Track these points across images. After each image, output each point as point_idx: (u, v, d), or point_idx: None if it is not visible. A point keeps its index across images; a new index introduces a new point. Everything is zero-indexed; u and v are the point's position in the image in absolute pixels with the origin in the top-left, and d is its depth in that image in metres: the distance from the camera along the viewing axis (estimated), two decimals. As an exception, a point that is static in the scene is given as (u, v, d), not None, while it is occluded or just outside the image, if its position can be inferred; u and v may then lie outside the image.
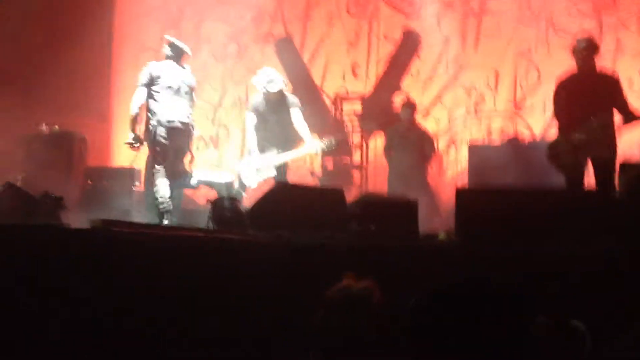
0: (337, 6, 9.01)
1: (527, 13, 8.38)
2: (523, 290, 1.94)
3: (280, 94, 6.56)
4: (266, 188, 4.75)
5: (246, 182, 6.59)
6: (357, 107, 8.74)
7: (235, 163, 7.04)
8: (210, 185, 6.46)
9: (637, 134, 6.72)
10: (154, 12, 9.54)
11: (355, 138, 8.75)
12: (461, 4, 8.64)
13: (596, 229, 3.62)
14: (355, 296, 2.75)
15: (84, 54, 8.70)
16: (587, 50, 5.55)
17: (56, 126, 8.30)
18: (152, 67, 6.29)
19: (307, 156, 8.82)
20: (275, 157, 6.52)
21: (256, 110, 6.67)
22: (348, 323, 2.63)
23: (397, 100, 8.49)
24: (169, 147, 6.17)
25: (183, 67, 6.38)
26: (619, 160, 5.39)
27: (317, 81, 9.09)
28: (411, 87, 8.71)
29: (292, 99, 6.64)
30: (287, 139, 6.55)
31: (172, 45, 6.41)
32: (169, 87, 6.20)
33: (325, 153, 8.64)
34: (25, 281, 3.55)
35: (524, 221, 3.74)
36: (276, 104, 6.56)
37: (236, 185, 6.63)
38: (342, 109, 8.89)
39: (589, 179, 5.52)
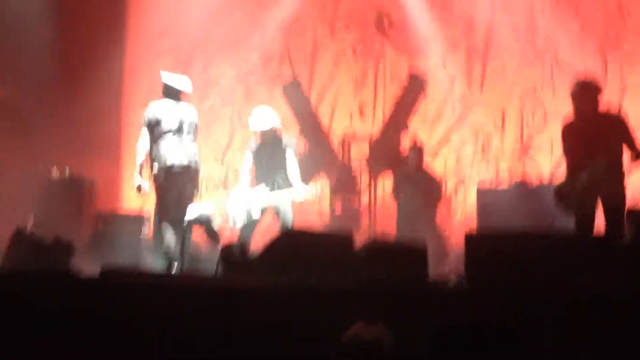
0: (343, 47, 9.12)
1: (532, 52, 8.46)
2: (527, 337, 1.94)
3: (274, 133, 6.54)
4: (274, 235, 4.75)
5: (234, 218, 6.53)
6: (365, 148, 8.78)
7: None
8: (198, 222, 6.29)
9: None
10: (163, 55, 9.67)
11: (363, 180, 8.77)
12: (466, 43, 8.73)
13: (602, 274, 3.60)
14: (368, 342, 2.76)
15: (94, 95, 8.76)
16: (586, 90, 5.51)
17: (66, 168, 8.36)
18: (150, 108, 6.10)
19: (316, 200, 8.86)
20: (261, 196, 6.43)
21: (252, 150, 6.67)
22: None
23: (405, 140, 8.53)
24: (171, 194, 5.98)
25: (183, 104, 6.12)
26: (628, 200, 5.36)
27: (325, 122, 9.15)
28: (418, 127, 8.75)
29: (289, 139, 6.59)
30: (279, 180, 6.46)
31: (166, 83, 6.17)
32: (168, 128, 5.99)
33: (333, 194, 8.70)
34: (34, 328, 3.55)
35: (533, 265, 3.73)
36: (271, 143, 6.52)
37: (219, 217, 6.63)
38: (350, 151, 8.93)
39: (599, 219, 5.49)
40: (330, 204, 8.52)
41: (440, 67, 8.76)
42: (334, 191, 8.76)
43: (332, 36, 9.17)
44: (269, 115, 6.52)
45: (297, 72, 9.26)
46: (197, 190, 6.16)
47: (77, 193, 8.10)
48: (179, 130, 5.99)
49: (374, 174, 8.65)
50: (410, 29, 8.90)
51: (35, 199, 7.94)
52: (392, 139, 8.73)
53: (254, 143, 6.71)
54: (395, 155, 8.41)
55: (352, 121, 9.04)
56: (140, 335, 3.52)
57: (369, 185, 8.65)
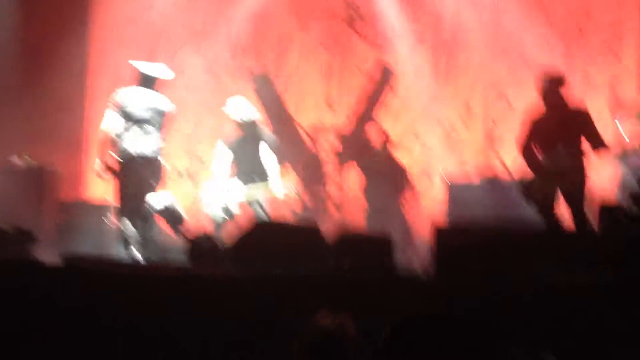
0: (311, 39, 9.11)
1: (497, 46, 8.56)
2: (497, 323, 1.96)
3: (253, 125, 6.52)
4: (245, 225, 4.74)
5: (208, 208, 6.54)
6: (332, 139, 8.80)
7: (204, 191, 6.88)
8: (162, 211, 6.16)
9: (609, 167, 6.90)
10: (128, 43, 9.52)
11: (330, 171, 8.79)
12: (432, 36, 8.79)
13: (567, 264, 3.68)
14: (330, 331, 2.77)
15: (57, 83, 8.63)
16: (551, 83, 5.61)
17: (27, 157, 8.21)
18: (118, 95, 6.05)
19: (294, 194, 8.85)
20: (238, 189, 6.45)
21: (227, 139, 6.59)
22: (323, 358, 2.65)
23: (372, 132, 8.56)
24: (132, 184, 5.94)
25: (154, 93, 6.05)
26: (590, 192, 5.47)
27: (292, 113, 9.14)
28: (384, 119, 8.80)
29: (267, 134, 6.59)
30: (255, 172, 6.46)
31: (142, 71, 6.12)
32: (134, 117, 5.94)
33: (303, 185, 8.71)
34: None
35: (499, 256, 3.78)
36: (248, 134, 6.48)
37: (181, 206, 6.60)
38: (317, 142, 8.95)
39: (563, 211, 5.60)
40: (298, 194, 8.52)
41: (407, 59, 8.81)
42: (301, 182, 8.77)
43: (300, 27, 9.15)
44: (248, 106, 6.50)
45: (264, 62, 9.23)
46: (159, 181, 6.07)
47: (38, 182, 7.97)
48: (145, 120, 5.92)
49: (341, 166, 8.68)
50: (378, 22, 8.93)
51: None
52: (359, 131, 8.77)
53: (228, 132, 6.68)
54: (362, 146, 8.45)
55: (320, 113, 9.05)
56: (103, 325, 3.48)
57: (336, 175, 8.67)
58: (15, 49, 8.66)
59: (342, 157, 8.62)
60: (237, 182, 6.50)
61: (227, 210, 6.45)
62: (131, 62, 6.38)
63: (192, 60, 9.30)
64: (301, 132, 9.10)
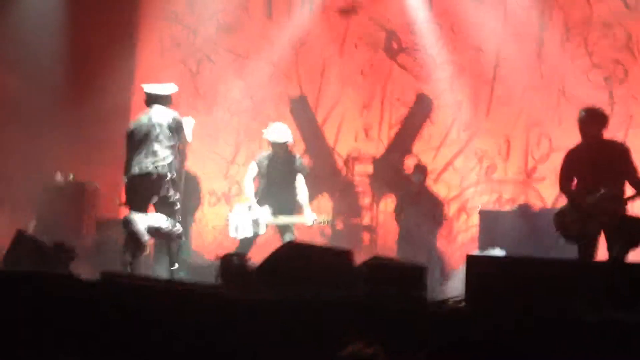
0: (351, 68, 9.17)
1: (539, 81, 8.50)
2: (524, 355, 1.95)
3: (288, 152, 6.62)
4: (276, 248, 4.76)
5: (236, 230, 6.62)
6: (369, 168, 8.82)
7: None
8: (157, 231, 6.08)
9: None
10: (173, 65, 9.75)
11: (366, 200, 8.80)
12: (473, 69, 8.77)
13: (605, 299, 3.61)
14: (363, 358, 2.76)
15: (104, 104, 8.85)
16: (593, 118, 5.58)
17: (71, 175, 8.40)
18: (134, 120, 6.23)
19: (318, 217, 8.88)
20: (268, 217, 6.55)
21: (261, 163, 6.74)
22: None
23: (409, 163, 8.55)
24: (135, 201, 5.98)
25: (160, 109, 6.11)
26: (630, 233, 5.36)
27: (330, 141, 9.19)
28: (423, 151, 8.78)
29: (301, 163, 6.71)
30: (286, 200, 6.56)
31: (146, 93, 6.25)
32: (137, 136, 6.04)
33: (336, 214, 8.73)
34: (33, 328, 3.56)
35: (533, 289, 3.73)
36: (282, 160, 6.63)
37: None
38: (353, 170, 8.98)
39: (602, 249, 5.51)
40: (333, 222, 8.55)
41: (447, 91, 8.80)
42: (336, 209, 8.79)
43: (341, 56, 9.24)
44: (285, 130, 6.62)
45: (305, 89, 9.32)
46: (165, 195, 5.98)
47: (80, 198, 8.13)
48: (147, 138, 6.01)
49: (376, 194, 8.68)
50: (419, 52, 8.96)
51: (38, 202, 7.98)
52: (396, 161, 8.77)
53: (262, 157, 6.76)
54: (398, 176, 8.44)
55: (357, 141, 9.08)
56: (139, 339, 3.53)
57: (371, 204, 8.67)
58: (63, 72, 8.92)
59: (378, 187, 8.62)
60: (268, 209, 6.57)
61: (255, 231, 6.51)
62: (142, 85, 6.49)
63: (233, 84, 9.46)
64: (339, 160, 9.14)
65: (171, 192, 6.02)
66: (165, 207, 6.00)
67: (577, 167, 5.58)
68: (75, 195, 8.13)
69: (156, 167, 5.95)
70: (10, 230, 5.96)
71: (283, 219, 6.52)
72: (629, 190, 5.56)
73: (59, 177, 8.33)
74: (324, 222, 6.53)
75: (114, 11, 9.59)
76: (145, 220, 5.80)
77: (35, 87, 8.68)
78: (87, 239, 7.78)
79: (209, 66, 9.66)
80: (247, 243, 6.58)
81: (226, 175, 9.42)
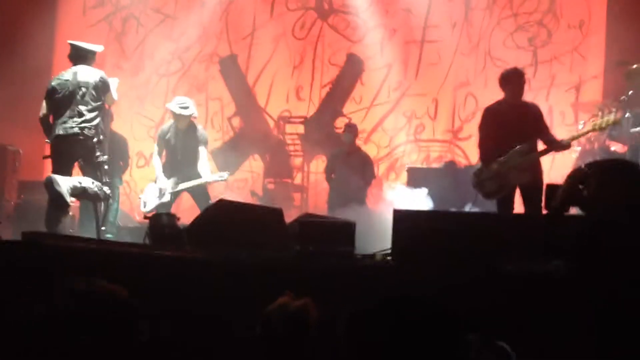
0: (282, 28, 9.10)
1: (466, 42, 8.65)
2: (454, 310, 1.99)
3: (190, 123, 6.73)
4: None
5: (144, 206, 6.79)
6: (300, 129, 8.83)
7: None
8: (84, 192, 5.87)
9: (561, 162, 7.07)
10: (98, 25, 9.44)
11: (297, 160, 8.82)
12: (404, 32, 8.85)
13: (523, 249, 3.76)
14: (292, 313, 2.78)
15: (24, 65, 8.55)
16: (509, 80, 5.75)
17: (-9, 138, 8.09)
18: (54, 79, 6.06)
19: (249, 177, 8.89)
20: (173, 185, 6.73)
21: (163, 135, 6.87)
22: (285, 339, 2.67)
23: (339, 123, 8.61)
24: (59, 160, 5.89)
25: (85, 69, 5.96)
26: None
27: (261, 102, 9.14)
28: (353, 111, 8.85)
29: (202, 134, 6.82)
30: (191, 168, 6.70)
31: (72, 48, 6.08)
32: (59, 95, 5.89)
33: (267, 174, 8.74)
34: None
35: (457, 242, 3.85)
36: (184, 132, 6.73)
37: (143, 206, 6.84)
38: (284, 131, 8.97)
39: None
40: (263, 184, 8.55)
41: (377, 53, 8.86)
42: (267, 170, 8.79)
43: (272, 16, 9.14)
44: (190, 104, 6.75)
45: (235, 50, 9.20)
46: (92, 157, 5.88)
47: (1, 162, 7.86)
48: (71, 98, 5.87)
49: (307, 155, 8.71)
50: (350, 14, 8.96)
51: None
52: (327, 121, 8.81)
53: (164, 130, 6.89)
54: (329, 137, 8.49)
55: (288, 102, 9.06)
56: (58, 298, 3.46)
57: (302, 165, 8.71)
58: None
59: (309, 148, 8.65)
60: (173, 175, 6.77)
61: (161, 201, 6.71)
62: (69, 41, 6.28)
63: (161, 45, 9.24)
64: (270, 121, 9.10)
65: (98, 153, 5.89)
66: (91, 168, 5.89)
67: (494, 126, 5.77)
68: (-4, 157, 7.85)
69: (82, 129, 5.82)
70: None
71: (183, 185, 6.70)
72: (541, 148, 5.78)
73: (-22, 140, 8.01)
74: (222, 178, 6.74)
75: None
76: (69, 182, 5.66)
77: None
78: (8, 203, 7.54)
79: (135, 26, 9.39)
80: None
81: (154, 137, 9.24)
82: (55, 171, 5.82)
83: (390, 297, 2.02)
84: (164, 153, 6.92)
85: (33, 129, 8.40)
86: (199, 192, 6.71)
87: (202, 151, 6.74)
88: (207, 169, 6.70)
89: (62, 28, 9.42)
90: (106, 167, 5.97)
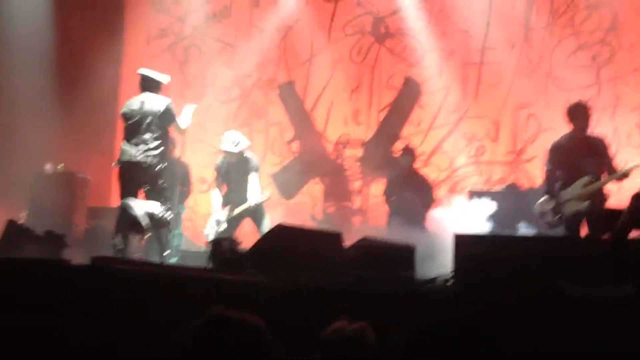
0: (339, 53, 9.18)
1: (526, 63, 8.54)
2: (510, 333, 1.97)
3: (242, 156, 6.93)
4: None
5: (207, 236, 6.94)
6: (359, 152, 8.85)
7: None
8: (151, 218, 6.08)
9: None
10: (161, 55, 9.73)
11: (356, 183, 8.84)
12: (461, 53, 8.79)
13: (592, 275, 3.67)
14: (349, 337, 2.79)
15: (91, 94, 8.86)
16: (578, 113, 6.06)
17: (61, 165, 8.41)
18: (125, 104, 6.30)
19: (309, 201, 8.95)
20: (227, 214, 6.97)
21: (220, 169, 7.08)
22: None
23: (398, 146, 8.59)
24: (125, 185, 6.10)
25: (151, 96, 6.16)
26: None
27: (320, 126, 9.21)
28: (412, 134, 8.82)
29: (253, 161, 7.00)
30: (243, 195, 6.90)
31: (141, 77, 6.29)
32: (127, 121, 6.12)
33: (326, 198, 8.78)
34: (25, 314, 3.59)
35: (519, 266, 3.78)
36: (237, 163, 6.93)
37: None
38: (343, 155, 9.01)
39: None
40: (323, 207, 8.59)
41: (435, 76, 8.83)
42: (327, 194, 8.83)
43: (329, 41, 9.24)
44: (237, 139, 6.94)
45: (293, 76, 9.33)
46: (155, 183, 6.07)
47: (70, 188, 8.15)
48: (138, 126, 6.07)
49: (366, 178, 8.71)
50: (406, 37, 8.97)
51: (29, 192, 7.99)
52: (385, 145, 8.80)
53: (219, 164, 7.12)
54: (388, 160, 8.48)
55: (347, 126, 9.10)
56: (130, 323, 3.56)
57: (361, 189, 8.71)
58: (51, 63, 8.92)
59: (368, 171, 8.66)
60: (228, 204, 7.01)
61: (215, 229, 6.92)
62: (139, 71, 6.52)
63: (222, 73, 9.45)
64: (328, 145, 9.16)
65: (161, 180, 6.08)
66: (155, 194, 6.07)
67: (561, 161, 6.07)
68: (65, 184, 8.15)
69: (147, 157, 6.02)
70: (1, 220, 5.98)
71: (235, 212, 6.90)
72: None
73: (48, 167, 8.34)
74: (264, 199, 6.91)
75: (100, 1, 9.56)
76: (142, 206, 5.89)
77: (24, 78, 8.68)
78: (78, 228, 7.80)
79: (196, 55, 9.65)
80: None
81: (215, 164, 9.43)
82: (123, 196, 6.02)
83: (449, 320, 2.00)
84: (222, 185, 7.16)
85: (101, 157, 8.74)
86: (258, 217, 6.90)
87: (252, 177, 6.94)
88: (254, 194, 6.88)
89: (128, 58, 9.76)
90: (167, 193, 6.20)
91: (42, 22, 8.95)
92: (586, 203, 5.79)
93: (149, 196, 6.10)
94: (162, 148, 6.09)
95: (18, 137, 8.39)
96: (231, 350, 1.91)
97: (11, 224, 5.79)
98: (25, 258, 4.76)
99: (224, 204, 7.04)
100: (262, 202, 6.94)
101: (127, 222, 5.84)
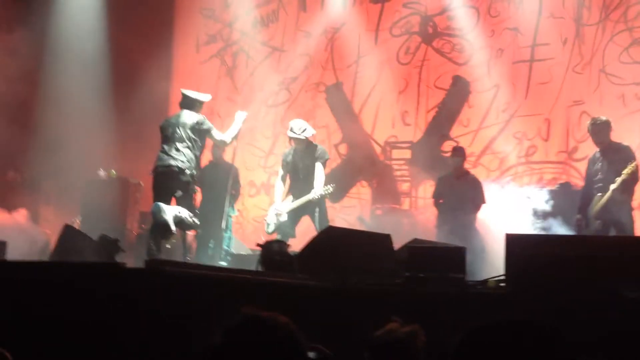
0: (386, 54, 9.15)
1: (578, 59, 8.36)
2: (565, 334, 1.93)
3: (310, 144, 6.84)
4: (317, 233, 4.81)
5: (267, 227, 6.97)
6: (407, 154, 8.80)
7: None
8: (181, 222, 6.36)
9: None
10: (210, 61, 9.87)
11: (404, 185, 8.79)
12: (511, 51, 8.66)
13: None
14: (400, 340, 2.77)
15: (144, 101, 9.04)
16: (601, 127, 6.55)
17: (113, 171, 8.60)
18: (165, 119, 6.75)
19: (357, 203, 8.93)
20: (288, 204, 6.90)
21: (286, 158, 7.07)
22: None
23: (447, 147, 8.51)
24: (158, 191, 6.43)
25: (187, 113, 6.54)
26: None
27: (368, 128, 9.20)
28: (461, 134, 8.72)
29: (320, 151, 6.97)
30: (308, 186, 6.83)
31: (182, 95, 6.69)
32: (164, 133, 6.51)
33: (375, 200, 8.74)
34: (81, 318, 3.67)
35: (572, 266, 3.70)
36: (304, 152, 6.87)
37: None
38: (391, 156, 8.97)
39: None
40: (371, 209, 8.56)
41: (484, 75, 8.72)
42: (375, 196, 8.80)
43: (376, 43, 9.22)
44: (305, 126, 6.90)
45: (341, 78, 9.34)
46: (185, 190, 6.38)
47: (123, 193, 8.33)
48: (170, 138, 6.45)
49: (415, 180, 8.66)
50: (454, 36, 8.89)
51: (83, 198, 8.20)
52: (434, 146, 8.73)
53: (286, 154, 7.09)
54: (437, 161, 8.40)
55: (395, 127, 9.06)
56: (185, 326, 3.61)
57: (410, 190, 8.66)
58: (105, 72, 9.16)
59: (417, 173, 8.60)
60: (292, 195, 6.95)
61: (281, 222, 6.88)
62: (181, 90, 6.85)
63: (269, 76, 9.53)
64: (376, 147, 9.14)
65: (190, 187, 6.42)
66: (184, 200, 6.40)
67: (590, 173, 6.59)
68: (118, 190, 8.34)
69: (177, 165, 6.35)
70: (58, 225, 6.15)
71: (295, 203, 6.82)
72: None
73: (101, 173, 8.54)
74: (327, 192, 6.80)
75: (150, 11, 9.76)
76: (172, 211, 6.09)
77: (79, 88, 8.93)
78: (131, 232, 7.96)
79: (244, 60, 9.75)
80: (281, 236, 6.75)
81: (265, 167, 9.51)
82: (158, 200, 6.24)
83: (503, 321, 1.97)
84: (287, 177, 7.10)
85: (152, 162, 8.92)
86: (315, 214, 6.80)
87: (318, 167, 6.88)
88: (317, 185, 6.79)
89: (178, 65, 9.94)
90: (195, 199, 6.53)
91: (96, 35, 9.22)
92: (596, 223, 6.15)
93: (179, 202, 6.38)
94: (192, 156, 6.43)
95: (73, 145, 8.62)
96: (262, 351, 1.91)
97: (67, 229, 5.95)
98: (81, 262, 4.88)
99: (289, 195, 6.98)
100: (326, 195, 6.83)
101: (157, 226, 6.05)
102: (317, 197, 6.72)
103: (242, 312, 1.92)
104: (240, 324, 1.92)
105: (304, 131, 6.85)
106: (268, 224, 7.01)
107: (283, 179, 7.09)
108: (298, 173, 6.95)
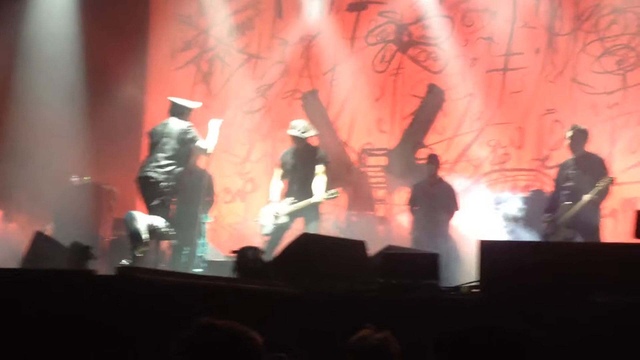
0: (362, 62, 9.19)
1: (551, 70, 8.46)
2: (537, 339, 1.94)
3: (309, 145, 6.78)
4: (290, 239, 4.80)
5: (263, 229, 6.87)
6: (382, 161, 8.83)
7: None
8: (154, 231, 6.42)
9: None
10: (186, 67, 9.82)
11: (380, 192, 8.81)
12: (485, 61, 8.75)
13: (622, 282, 3.61)
14: (373, 346, 2.77)
15: (117, 106, 8.98)
16: (577, 136, 6.74)
17: (86, 177, 8.51)
18: (153, 127, 6.78)
19: (332, 210, 8.94)
20: (287, 206, 6.79)
21: (285, 158, 6.96)
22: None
23: (422, 155, 8.55)
24: (141, 199, 6.54)
25: (174, 121, 6.59)
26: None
27: (343, 135, 9.22)
28: (436, 142, 8.78)
29: (321, 153, 6.94)
30: (307, 188, 6.79)
31: (171, 103, 6.74)
32: (151, 142, 6.59)
33: (350, 207, 8.76)
34: (52, 324, 3.62)
35: (545, 273, 3.73)
36: (304, 152, 6.80)
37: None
38: (367, 163, 9.00)
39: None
40: (347, 216, 8.57)
41: (459, 83, 8.79)
42: (350, 203, 8.81)
43: (352, 51, 9.25)
44: (307, 127, 6.94)
45: (317, 85, 9.36)
46: (162, 200, 6.44)
47: (96, 200, 8.25)
48: (155, 145, 6.53)
49: (390, 187, 8.69)
50: (429, 45, 8.95)
51: (55, 205, 8.10)
52: (409, 153, 8.78)
53: (286, 155, 7.07)
54: (412, 168, 8.45)
55: (370, 135, 9.09)
56: (154, 334, 3.57)
57: (385, 197, 8.68)
58: (78, 78, 9.07)
59: (392, 180, 8.63)
60: (288, 201, 6.86)
61: (277, 224, 6.81)
62: (169, 98, 6.91)
63: (245, 84, 9.51)
64: (352, 154, 9.16)
65: (165, 198, 6.46)
66: (159, 209, 6.44)
67: (561, 180, 6.75)
68: (91, 196, 8.25)
69: (154, 173, 6.42)
70: (29, 232, 6.07)
71: (296, 205, 6.74)
72: None
73: (74, 179, 8.44)
74: (332, 197, 6.79)
75: (125, 16, 9.69)
76: (146, 219, 6.09)
77: (51, 93, 8.83)
78: (104, 239, 7.88)
79: (220, 67, 9.72)
80: (274, 238, 6.74)
81: (240, 173, 9.47)
82: (141, 209, 6.26)
83: (474, 328, 1.99)
84: (284, 177, 7.05)
85: (126, 169, 8.84)
86: (310, 218, 6.76)
87: (319, 169, 6.84)
88: (320, 188, 6.73)
89: (153, 71, 9.87)
90: (169, 210, 6.54)
91: (68, 39, 9.12)
92: (567, 230, 6.38)
93: (153, 210, 6.39)
94: (172, 167, 6.45)
95: (45, 152, 8.52)
96: (218, 358, 1.91)
97: (38, 236, 5.87)
98: (51, 269, 4.82)
99: (286, 197, 6.89)
100: (331, 198, 6.78)
101: (128, 234, 6.05)
102: (320, 200, 6.68)
103: (198, 321, 1.91)
104: (195, 333, 1.91)
105: (305, 132, 6.83)
106: (264, 226, 6.90)
107: (281, 179, 7.00)
108: (296, 172, 6.86)
